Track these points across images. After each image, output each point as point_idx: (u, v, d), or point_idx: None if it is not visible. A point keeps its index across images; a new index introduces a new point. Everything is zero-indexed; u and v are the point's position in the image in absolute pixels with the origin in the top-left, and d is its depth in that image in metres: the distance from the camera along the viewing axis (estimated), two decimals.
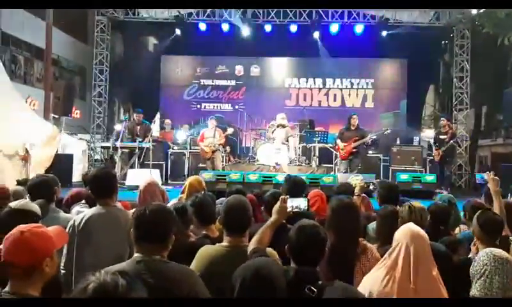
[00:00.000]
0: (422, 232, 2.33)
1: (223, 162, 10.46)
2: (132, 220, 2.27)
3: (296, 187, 4.06)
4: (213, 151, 10.15)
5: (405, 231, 2.32)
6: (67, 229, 2.84)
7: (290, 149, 9.92)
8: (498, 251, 2.39)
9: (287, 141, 9.89)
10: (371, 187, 6.86)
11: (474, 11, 11.24)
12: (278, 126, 9.95)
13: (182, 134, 12.04)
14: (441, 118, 10.23)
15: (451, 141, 9.67)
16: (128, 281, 1.45)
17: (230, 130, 10.50)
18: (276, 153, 9.72)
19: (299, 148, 10.71)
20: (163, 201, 3.81)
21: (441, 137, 9.76)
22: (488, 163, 11.43)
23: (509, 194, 5.94)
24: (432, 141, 10.20)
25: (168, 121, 12.69)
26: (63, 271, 2.83)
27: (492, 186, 3.59)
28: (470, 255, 2.87)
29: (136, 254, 2.15)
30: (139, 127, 9.93)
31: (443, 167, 9.82)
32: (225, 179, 8.53)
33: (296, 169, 9.76)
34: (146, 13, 12.83)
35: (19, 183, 4.67)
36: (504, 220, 3.05)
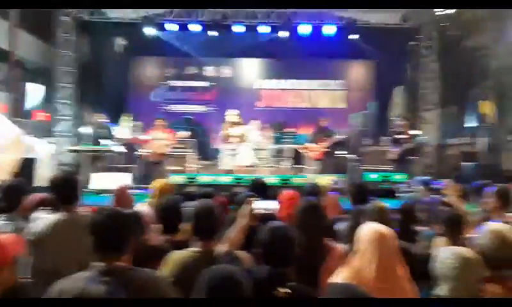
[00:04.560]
0: (387, 231, 2.32)
1: (188, 164, 9.88)
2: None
3: (257, 189, 4.08)
4: (162, 155, 9.31)
5: (369, 231, 2.31)
6: (29, 236, 2.74)
7: (247, 149, 9.45)
8: (464, 251, 2.36)
9: (244, 140, 9.43)
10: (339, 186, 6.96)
11: (441, 13, 11.38)
12: (232, 125, 9.42)
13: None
14: (398, 118, 9.99)
15: (408, 143, 9.44)
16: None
17: (183, 134, 10.19)
18: (233, 155, 9.36)
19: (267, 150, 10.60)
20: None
21: (397, 136, 9.54)
22: (457, 161, 11.60)
23: None
24: (389, 140, 9.89)
25: (138, 123, 12.44)
26: (24, 279, 2.70)
27: (450, 192, 3.68)
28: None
29: (96, 263, 2.04)
30: (101, 131, 9.74)
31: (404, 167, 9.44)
32: (196, 182, 8.46)
33: (267, 170, 9.72)
34: (112, 13, 12.55)
35: None
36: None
